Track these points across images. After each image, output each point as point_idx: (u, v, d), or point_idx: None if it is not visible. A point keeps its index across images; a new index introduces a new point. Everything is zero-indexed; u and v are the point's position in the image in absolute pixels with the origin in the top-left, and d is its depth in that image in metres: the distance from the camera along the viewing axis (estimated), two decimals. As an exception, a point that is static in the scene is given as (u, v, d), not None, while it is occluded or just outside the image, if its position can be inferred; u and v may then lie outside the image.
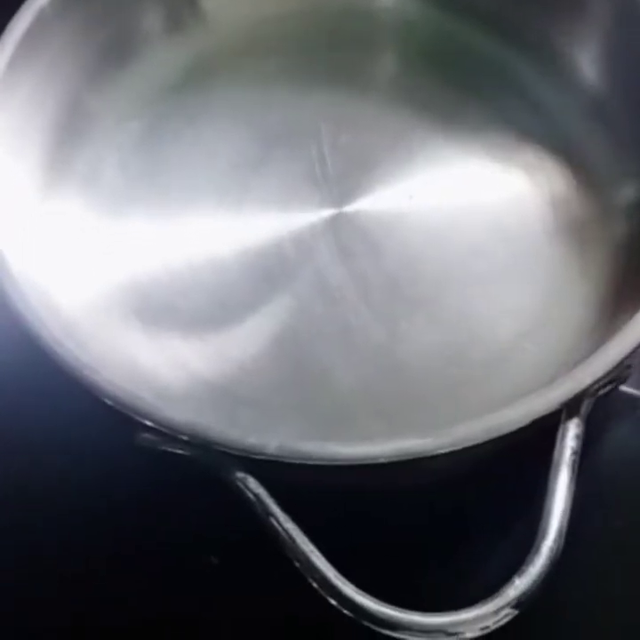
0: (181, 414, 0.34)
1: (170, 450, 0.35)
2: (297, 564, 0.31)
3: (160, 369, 0.41)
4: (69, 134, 0.45)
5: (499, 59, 0.48)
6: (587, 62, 0.46)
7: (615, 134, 0.44)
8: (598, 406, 0.35)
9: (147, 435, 0.35)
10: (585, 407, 0.34)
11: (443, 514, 0.39)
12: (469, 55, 0.48)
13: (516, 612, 0.30)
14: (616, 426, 0.42)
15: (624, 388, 0.40)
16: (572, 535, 0.32)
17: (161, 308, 0.43)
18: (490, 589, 0.30)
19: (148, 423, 0.34)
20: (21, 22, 0.43)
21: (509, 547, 0.32)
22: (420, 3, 0.49)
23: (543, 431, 0.33)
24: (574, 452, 0.33)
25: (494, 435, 0.32)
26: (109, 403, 0.34)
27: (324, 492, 0.36)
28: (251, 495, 0.33)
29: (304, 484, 0.35)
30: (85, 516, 0.40)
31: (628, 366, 0.36)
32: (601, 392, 0.34)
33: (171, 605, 0.39)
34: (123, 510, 0.40)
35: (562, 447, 0.33)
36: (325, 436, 0.35)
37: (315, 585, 0.31)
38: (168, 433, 0.34)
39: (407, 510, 0.38)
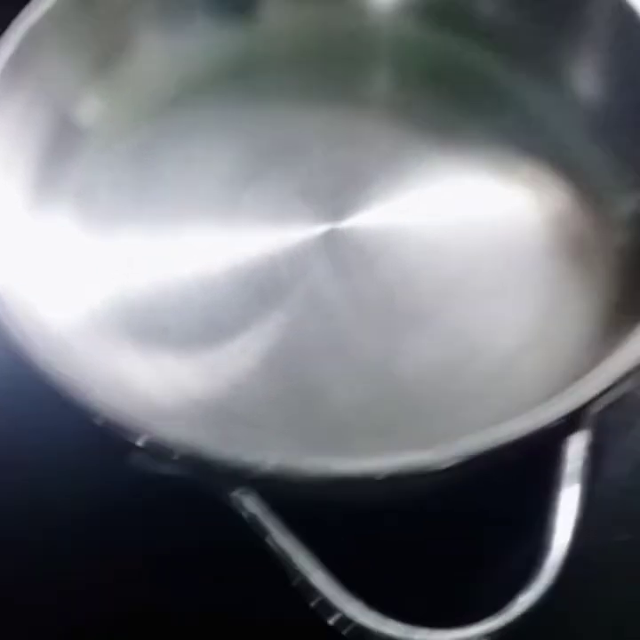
0: (175, 433, 0.33)
1: (164, 470, 0.34)
2: (296, 583, 0.31)
3: (152, 389, 0.40)
4: (61, 151, 0.45)
5: (496, 74, 0.48)
6: (585, 77, 0.46)
7: (614, 148, 0.44)
8: (605, 417, 0.34)
9: (140, 455, 0.34)
10: (590, 420, 0.33)
11: (446, 528, 0.38)
12: (466, 71, 0.48)
13: (520, 628, 0.29)
14: (623, 437, 0.41)
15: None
16: (578, 548, 0.31)
17: (153, 327, 0.42)
18: (495, 605, 0.30)
19: (141, 443, 0.33)
20: (11, 40, 0.42)
21: (515, 562, 0.31)
22: (416, 19, 0.49)
23: (549, 446, 0.33)
24: (579, 467, 0.32)
25: (496, 447, 0.32)
26: (101, 423, 0.34)
27: (322, 507, 0.35)
28: (247, 514, 0.32)
29: (302, 500, 0.34)
30: (78, 539, 0.39)
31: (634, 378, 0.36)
32: (606, 404, 0.34)
33: (165, 626, 0.38)
34: (116, 533, 0.39)
35: (567, 461, 0.32)
36: (319, 452, 0.34)
37: (313, 604, 0.30)
38: (162, 453, 0.33)
39: (409, 524, 0.38)
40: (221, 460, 0.32)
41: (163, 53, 0.48)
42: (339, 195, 0.45)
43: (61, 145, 0.45)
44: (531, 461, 0.33)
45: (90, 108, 0.46)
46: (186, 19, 0.48)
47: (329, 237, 0.44)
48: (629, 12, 0.42)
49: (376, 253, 0.43)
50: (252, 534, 0.32)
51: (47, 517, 0.40)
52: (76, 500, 0.40)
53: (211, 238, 0.44)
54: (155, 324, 0.42)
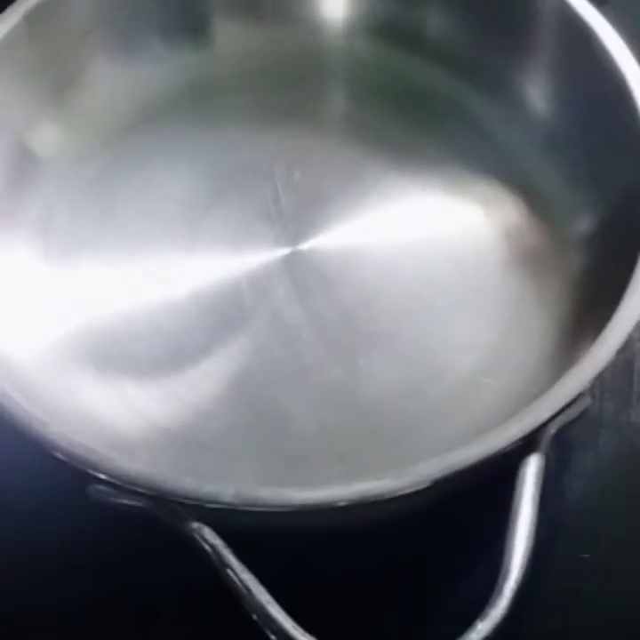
0: (133, 465, 0.33)
1: (124, 502, 0.34)
2: (254, 616, 0.31)
3: (117, 417, 0.40)
4: (19, 181, 0.45)
5: (451, 93, 0.48)
6: (539, 96, 0.46)
7: (568, 168, 0.44)
8: (563, 436, 0.34)
9: (100, 487, 0.34)
10: (546, 441, 0.33)
11: (404, 555, 0.38)
12: (422, 90, 0.48)
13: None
14: (581, 455, 0.41)
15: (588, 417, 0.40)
16: (541, 566, 0.31)
17: (116, 356, 0.42)
18: (454, 632, 0.29)
19: (100, 475, 0.33)
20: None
21: (474, 586, 0.31)
22: (371, 40, 0.49)
23: (505, 467, 0.33)
24: (535, 488, 0.32)
25: (452, 473, 0.32)
26: (59, 456, 0.34)
27: (282, 537, 0.35)
28: (207, 546, 0.32)
29: (262, 531, 0.34)
30: (37, 573, 0.39)
31: (590, 395, 0.36)
32: (562, 424, 0.34)
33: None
34: (77, 566, 0.39)
35: (522, 483, 0.32)
36: (284, 479, 0.35)
37: (272, 637, 0.30)
38: (120, 485, 0.33)
39: (367, 553, 0.38)
40: (180, 491, 0.32)
41: (118, 81, 0.48)
42: (299, 217, 0.45)
43: (19, 174, 0.45)
44: (487, 483, 0.33)
45: (47, 137, 0.46)
46: (140, 46, 0.48)
47: (290, 260, 0.44)
48: (579, 27, 0.42)
49: (336, 275, 0.44)
50: (212, 566, 0.32)
51: (4, 552, 0.40)
52: (35, 533, 0.39)
53: (172, 264, 0.44)
54: (119, 353, 0.42)
